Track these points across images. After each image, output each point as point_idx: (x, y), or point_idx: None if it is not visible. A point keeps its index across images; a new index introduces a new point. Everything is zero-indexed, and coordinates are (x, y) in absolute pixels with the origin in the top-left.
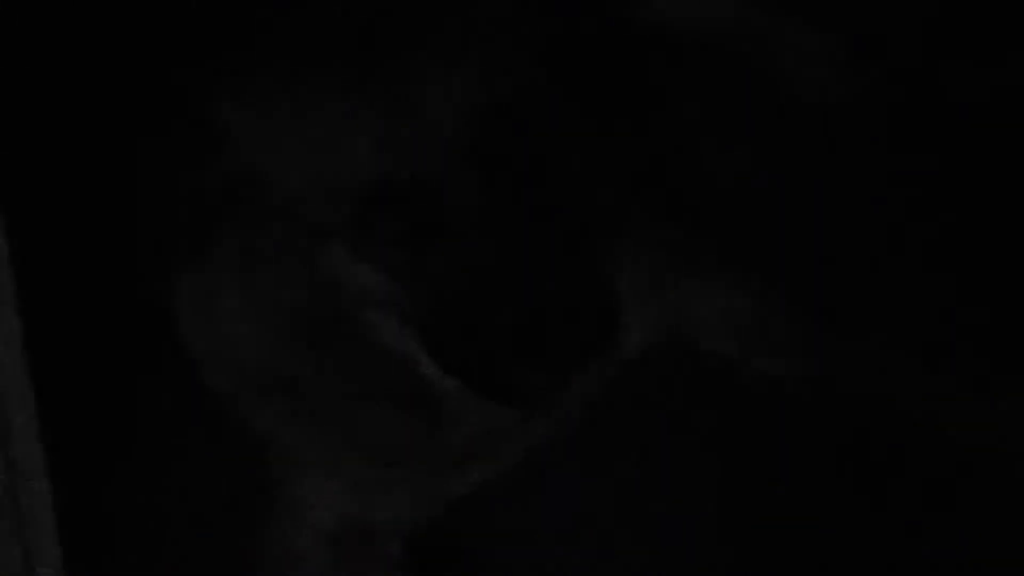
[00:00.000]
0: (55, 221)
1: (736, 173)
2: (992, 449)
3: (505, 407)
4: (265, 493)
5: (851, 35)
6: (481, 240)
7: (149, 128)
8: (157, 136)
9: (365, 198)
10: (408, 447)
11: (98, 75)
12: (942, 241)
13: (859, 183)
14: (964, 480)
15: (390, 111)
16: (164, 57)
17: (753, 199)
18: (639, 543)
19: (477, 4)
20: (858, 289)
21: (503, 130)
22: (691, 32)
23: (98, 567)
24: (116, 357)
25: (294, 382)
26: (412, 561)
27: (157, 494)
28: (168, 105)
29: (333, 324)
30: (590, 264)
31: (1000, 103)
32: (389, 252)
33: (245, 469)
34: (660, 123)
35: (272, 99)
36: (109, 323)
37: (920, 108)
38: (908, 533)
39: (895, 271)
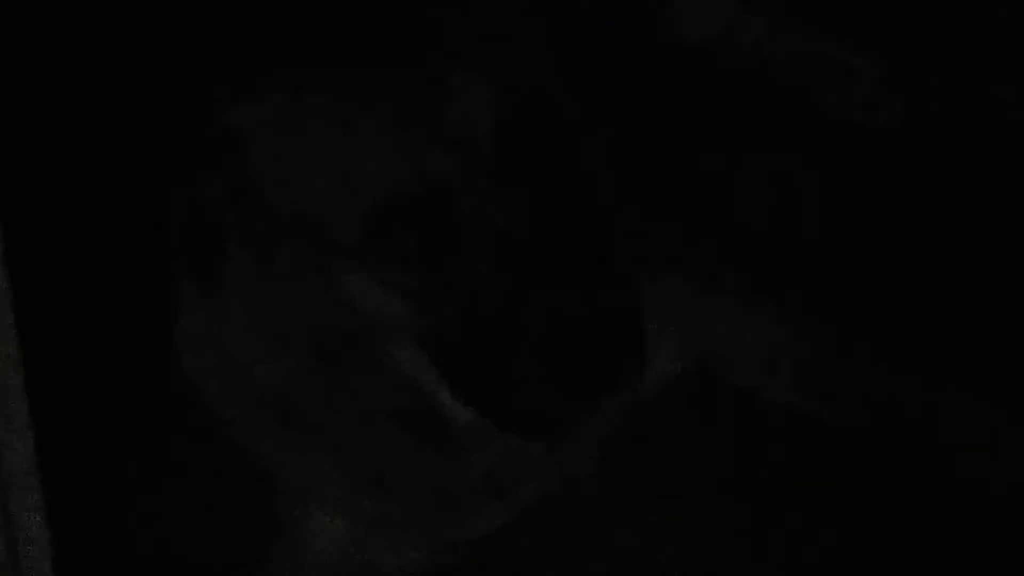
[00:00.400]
0: (57, 231)
1: (767, 196)
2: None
3: (527, 439)
4: (269, 526)
5: (888, 53)
6: (501, 260)
7: (153, 137)
8: (161, 145)
9: (380, 211)
10: (422, 482)
11: (104, 81)
12: (986, 271)
13: (898, 208)
14: (995, 519)
15: (406, 120)
16: (171, 63)
17: (785, 223)
18: None
19: (498, 12)
20: (896, 320)
21: (525, 142)
22: (721, 48)
23: None
24: (117, 376)
25: (301, 410)
26: None
27: (155, 524)
28: (174, 112)
29: (344, 348)
30: (618, 287)
31: None
32: (405, 271)
33: (248, 500)
34: (688, 142)
35: (282, 106)
36: (110, 341)
37: (961, 130)
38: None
39: (935, 301)
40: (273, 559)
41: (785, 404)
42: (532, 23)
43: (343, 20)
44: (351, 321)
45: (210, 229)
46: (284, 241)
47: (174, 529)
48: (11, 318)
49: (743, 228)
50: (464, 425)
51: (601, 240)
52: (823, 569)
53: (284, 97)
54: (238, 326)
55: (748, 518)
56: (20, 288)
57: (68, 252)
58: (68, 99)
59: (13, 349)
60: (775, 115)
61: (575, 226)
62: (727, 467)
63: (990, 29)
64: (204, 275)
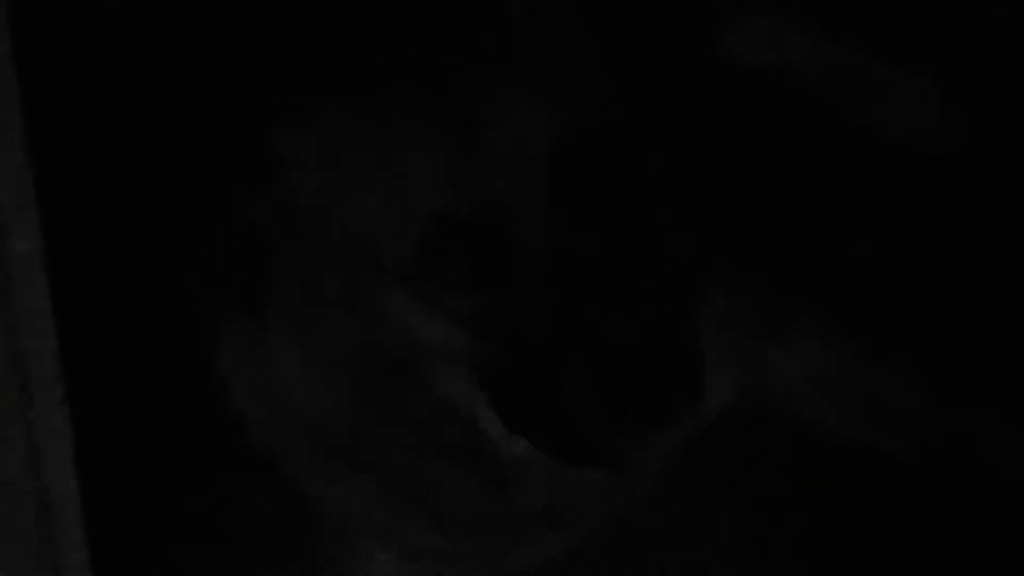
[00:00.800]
0: (102, 257)
1: (824, 223)
2: None
3: (580, 470)
4: (315, 558)
5: (948, 76)
6: (555, 286)
7: (199, 159)
8: (207, 168)
9: (430, 236)
10: (472, 513)
11: (149, 103)
12: None
13: (959, 238)
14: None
15: (456, 141)
16: (218, 85)
17: (840, 251)
18: None
19: (552, 34)
20: (956, 351)
21: (579, 164)
22: (772, 71)
23: None
24: (159, 407)
25: (349, 440)
26: None
27: (199, 553)
28: (220, 137)
29: (393, 376)
30: (673, 313)
31: None
32: (456, 297)
33: (295, 531)
34: (744, 169)
35: (329, 129)
36: (154, 370)
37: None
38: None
39: (996, 335)
40: None
41: (843, 435)
42: (586, 46)
43: (391, 40)
44: (400, 348)
45: (256, 255)
46: (332, 266)
47: (219, 559)
48: (54, 341)
49: (801, 256)
50: (518, 456)
51: (657, 267)
52: None
53: (331, 120)
54: (285, 353)
55: (803, 546)
56: (63, 313)
57: (113, 278)
58: (115, 126)
59: (56, 375)
60: (832, 140)
61: (631, 252)
62: (780, 493)
63: None
64: (250, 302)
